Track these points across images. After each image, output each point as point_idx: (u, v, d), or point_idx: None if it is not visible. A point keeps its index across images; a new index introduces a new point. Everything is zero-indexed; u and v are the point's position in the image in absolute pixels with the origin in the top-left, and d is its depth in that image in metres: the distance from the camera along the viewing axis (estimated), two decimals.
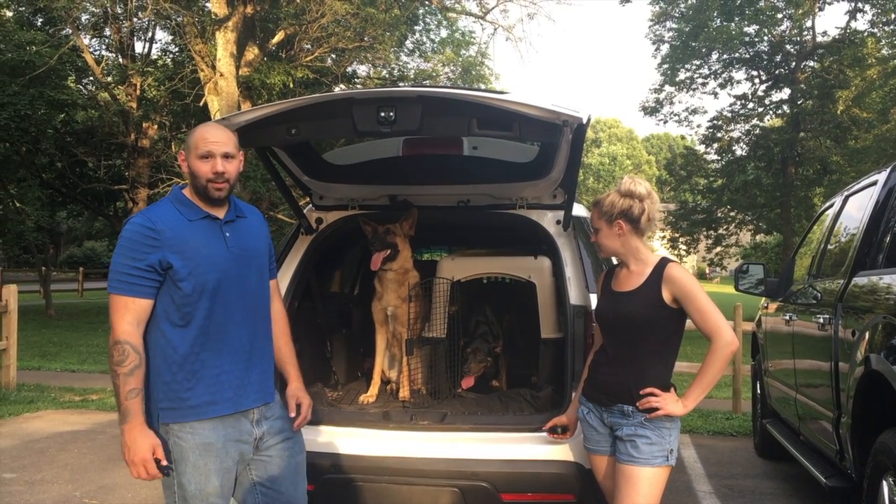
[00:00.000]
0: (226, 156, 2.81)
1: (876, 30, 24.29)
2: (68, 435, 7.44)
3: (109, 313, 2.74)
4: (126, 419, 2.66)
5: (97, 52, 22.22)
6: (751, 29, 25.44)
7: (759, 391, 6.95)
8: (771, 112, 28.41)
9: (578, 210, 4.44)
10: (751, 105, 28.01)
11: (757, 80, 27.70)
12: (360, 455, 3.72)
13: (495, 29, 21.13)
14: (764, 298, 6.84)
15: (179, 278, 2.72)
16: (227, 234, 2.86)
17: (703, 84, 28.26)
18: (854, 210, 4.81)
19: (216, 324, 2.79)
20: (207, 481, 2.75)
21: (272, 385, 3.03)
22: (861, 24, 24.93)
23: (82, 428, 7.77)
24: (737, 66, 27.48)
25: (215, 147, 2.80)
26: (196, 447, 2.73)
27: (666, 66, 27.93)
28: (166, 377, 2.74)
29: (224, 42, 14.97)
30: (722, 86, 28.08)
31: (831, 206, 5.62)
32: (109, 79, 21.72)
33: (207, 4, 16.43)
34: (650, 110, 29.54)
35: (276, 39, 17.23)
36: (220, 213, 2.87)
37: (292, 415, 3.09)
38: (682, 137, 44.97)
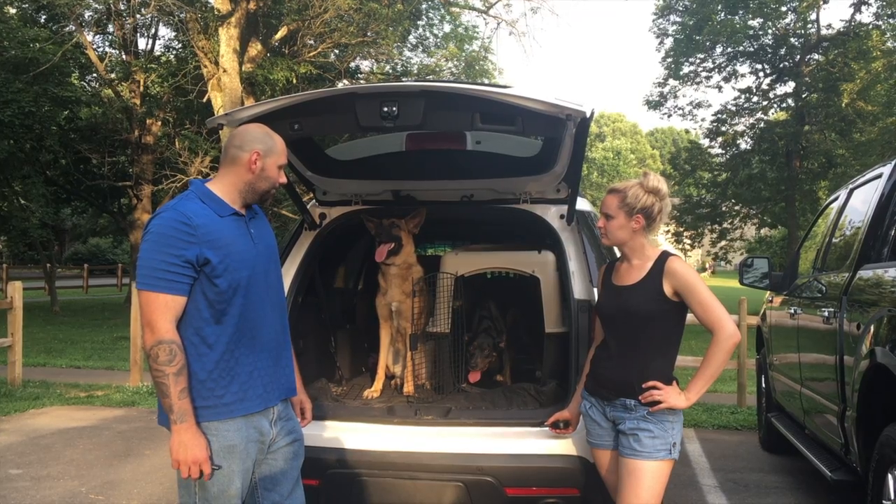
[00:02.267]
0: None
1: (881, 22, 24.23)
2: (74, 431, 7.47)
3: (144, 311, 2.63)
4: (182, 419, 2.61)
5: (100, 49, 22.27)
6: (755, 22, 25.41)
7: (763, 385, 6.95)
8: (775, 105, 28.41)
9: (582, 204, 4.43)
10: (755, 99, 28.01)
11: (761, 74, 27.70)
12: (365, 450, 3.72)
13: (498, 24, 21.07)
14: (769, 292, 6.82)
15: (216, 275, 2.68)
16: (252, 231, 2.87)
17: (707, 78, 28.29)
18: (859, 203, 4.79)
19: (249, 320, 2.77)
20: (230, 483, 2.73)
21: (294, 379, 3.05)
22: (866, 16, 24.93)
23: (88, 424, 7.80)
24: (741, 60, 27.46)
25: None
26: (220, 450, 2.70)
27: (670, 59, 27.94)
28: (201, 376, 2.68)
29: (227, 38, 14.97)
30: (726, 79, 28.09)
31: (836, 199, 5.61)
32: (113, 75, 21.74)
33: (210, 0, 16.43)
34: (654, 104, 29.56)
35: (279, 35, 17.23)
36: (243, 210, 2.87)
37: (298, 419, 3.12)
38: (687, 131, 44.79)
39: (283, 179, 2.91)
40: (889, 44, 23.63)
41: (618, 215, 3.18)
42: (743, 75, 28.13)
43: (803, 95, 26.10)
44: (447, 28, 24.55)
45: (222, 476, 2.72)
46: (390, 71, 22.53)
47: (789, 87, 27.12)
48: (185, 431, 2.62)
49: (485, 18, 21.71)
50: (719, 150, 29.86)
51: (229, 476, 2.73)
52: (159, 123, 21.45)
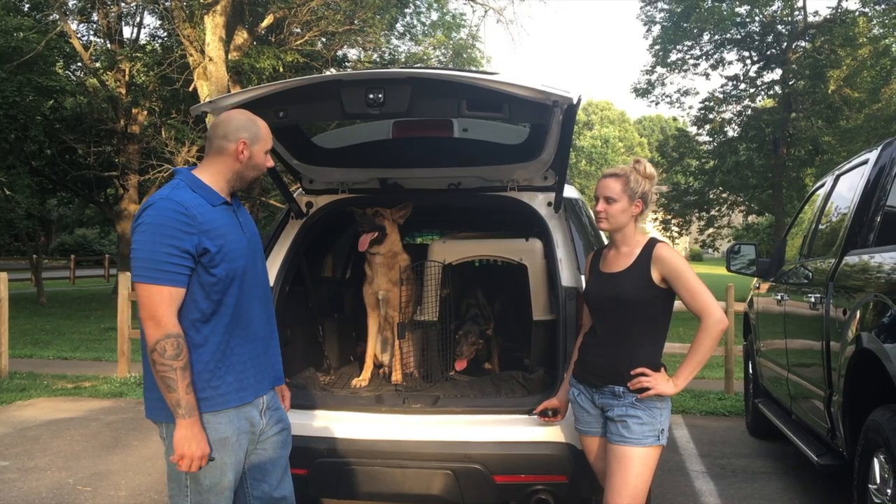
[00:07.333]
0: None
1: (867, 9, 24.24)
2: (61, 422, 7.43)
3: (146, 305, 2.56)
4: (190, 414, 2.57)
5: (85, 38, 22.03)
6: (742, 9, 25.40)
7: (751, 371, 6.98)
8: (762, 93, 28.42)
9: (570, 192, 4.42)
10: (742, 86, 28.01)
11: (748, 61, 27.69)
12: (353, 439, 3.72)
13: (486, 11, 20.99)
14: (756, 279, 6.85)
15: (214, 264, 2.64)
16: (241, 220, 2.85)
17: (695, 65, 28.25)
18: (845, 189, 4.81)
19: (243, 310, 2.76)
20: (223, 476, 2.72)
21: (280, 368, 3.04)
22: (852, 3, 25.01)
23: (75, 415, 7.76)
24: (728, 47, 27.44)
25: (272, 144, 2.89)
26: (213, 442, 2.68)
27: (657, 47, 27.89)
28: (196, 367, 2.64)
29: (213, 26, 14.84)
30: (713, 67, 28.07)
31: (822, 185, 5.62)
32: (98, 64, 21.54)
33: None
34: (642, 92, 29.52)
35: (265, 23, 17.11)
36: (230, 199, 2.85)
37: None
38: (674, 119, 44.91)
39: (271, 164, 2.90)
40: (875, 31, 23.70)
41: (621, 199, 3.17)
42: (730, 62, 28.15)
43: (790, 82, 26.13)
44: (434, 16, 24.50)
45: (215, 469, 2.70)
46: (378, 59, 22.43)
47: (776, 74, 27.14)
48: (191, 427, 2.58)
49: (472, 6, 21.61)
50: (707, 138, 29.89)
51: (222, 469, 2.71)
52: (145, 113, 21.29)
